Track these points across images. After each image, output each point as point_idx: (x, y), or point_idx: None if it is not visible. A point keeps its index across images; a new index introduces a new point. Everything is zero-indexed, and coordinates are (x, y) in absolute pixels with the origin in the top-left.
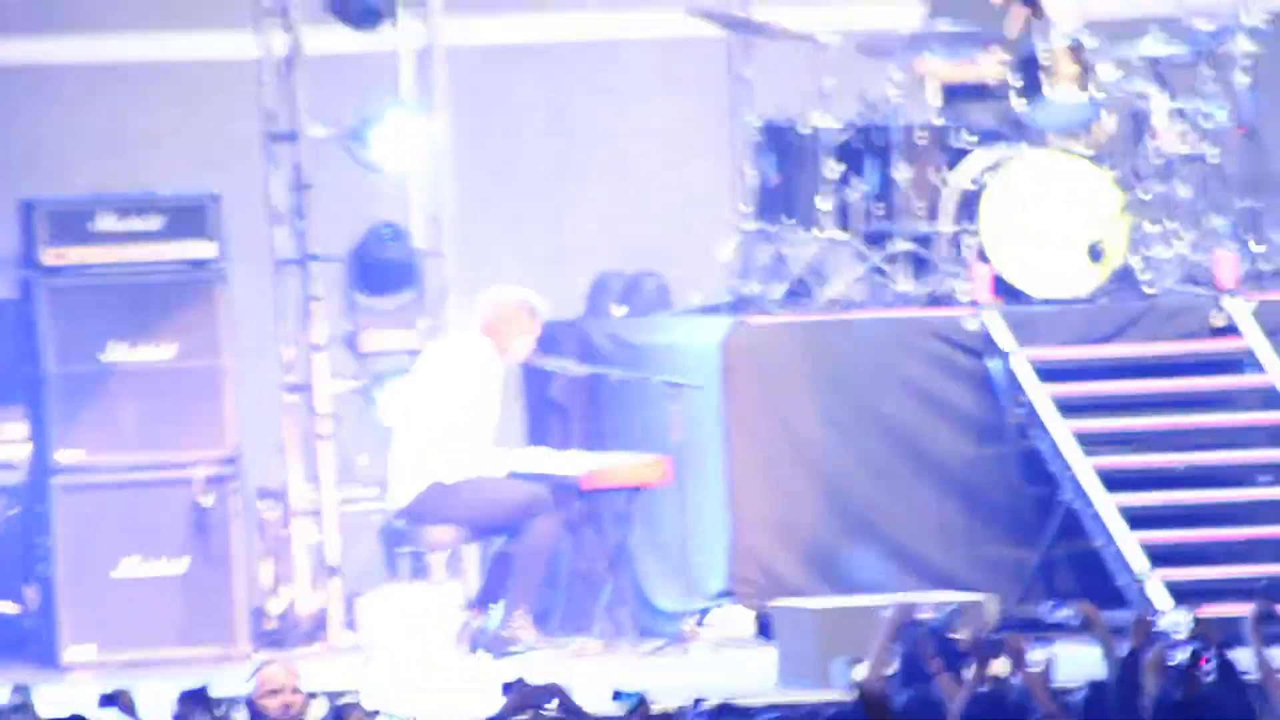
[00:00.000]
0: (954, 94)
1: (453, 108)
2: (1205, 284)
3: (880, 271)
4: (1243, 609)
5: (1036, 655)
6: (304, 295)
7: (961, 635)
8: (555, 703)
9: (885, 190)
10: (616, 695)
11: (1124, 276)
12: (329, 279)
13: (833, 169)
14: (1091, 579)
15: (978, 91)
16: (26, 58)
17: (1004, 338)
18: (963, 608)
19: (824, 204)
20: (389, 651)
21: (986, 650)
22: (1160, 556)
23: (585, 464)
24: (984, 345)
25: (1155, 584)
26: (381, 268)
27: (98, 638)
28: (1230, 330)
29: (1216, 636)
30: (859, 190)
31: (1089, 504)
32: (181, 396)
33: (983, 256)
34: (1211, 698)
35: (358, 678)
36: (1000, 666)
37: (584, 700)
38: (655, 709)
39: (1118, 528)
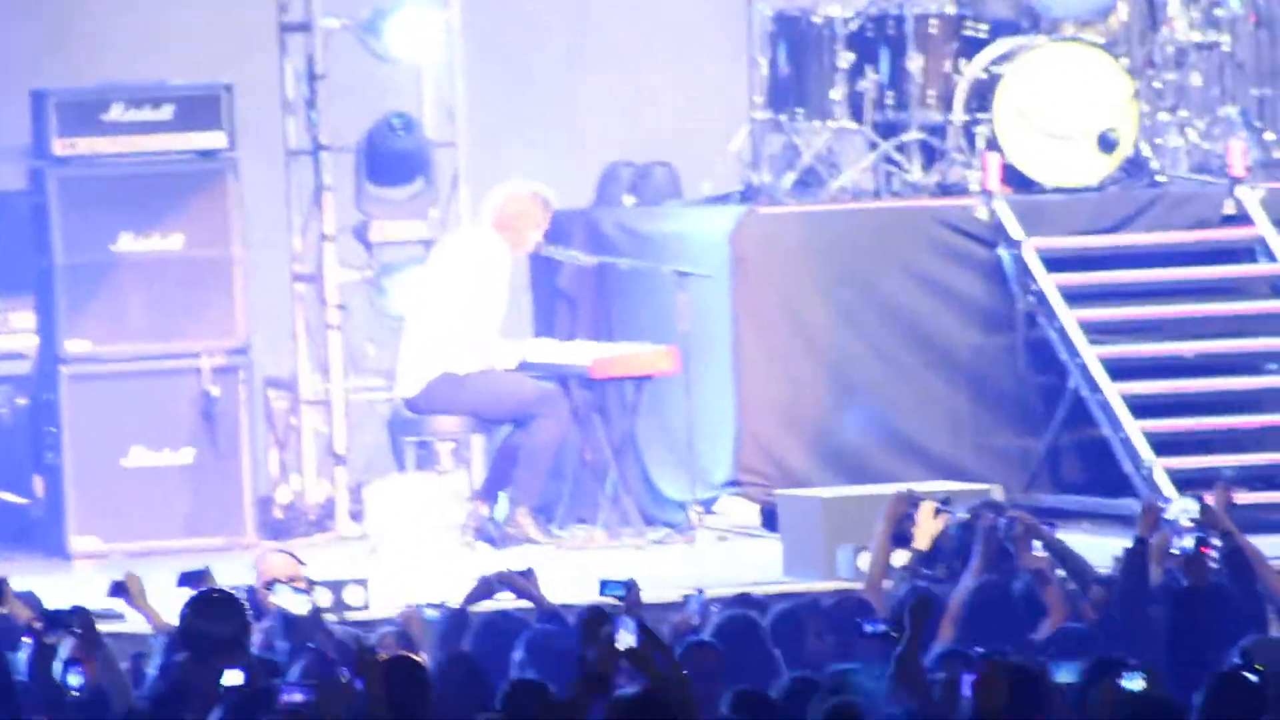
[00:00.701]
0: None
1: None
2: (1217, 172)
3: (891, 160)
4: (1247, 497)
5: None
6: (315, 185)
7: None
8: (509, 592)
9: (897, 80)
10: (604, 586)
11: (1135, 164)
12: (340, 169)
13: (845, 58)
14: (1098, 467)
15: None
16: None
17: (1014, 226)
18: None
19: (836, 93)
20: (395, 540)
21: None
22: (1167, 445)
23: (593, 353)
24: (994, 234)
25: (1161, 472)
26: (392, 158)
27: (105, 527)
28: (1241, 218)
29: (1223, 524)
30: (871, 80)
31: (1096, 392)
32: (191, 286)
33: (994, 145)
34: (1217, 585)
35: (363, 566)
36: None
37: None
38: (655, 599)
39: (1125, 416)
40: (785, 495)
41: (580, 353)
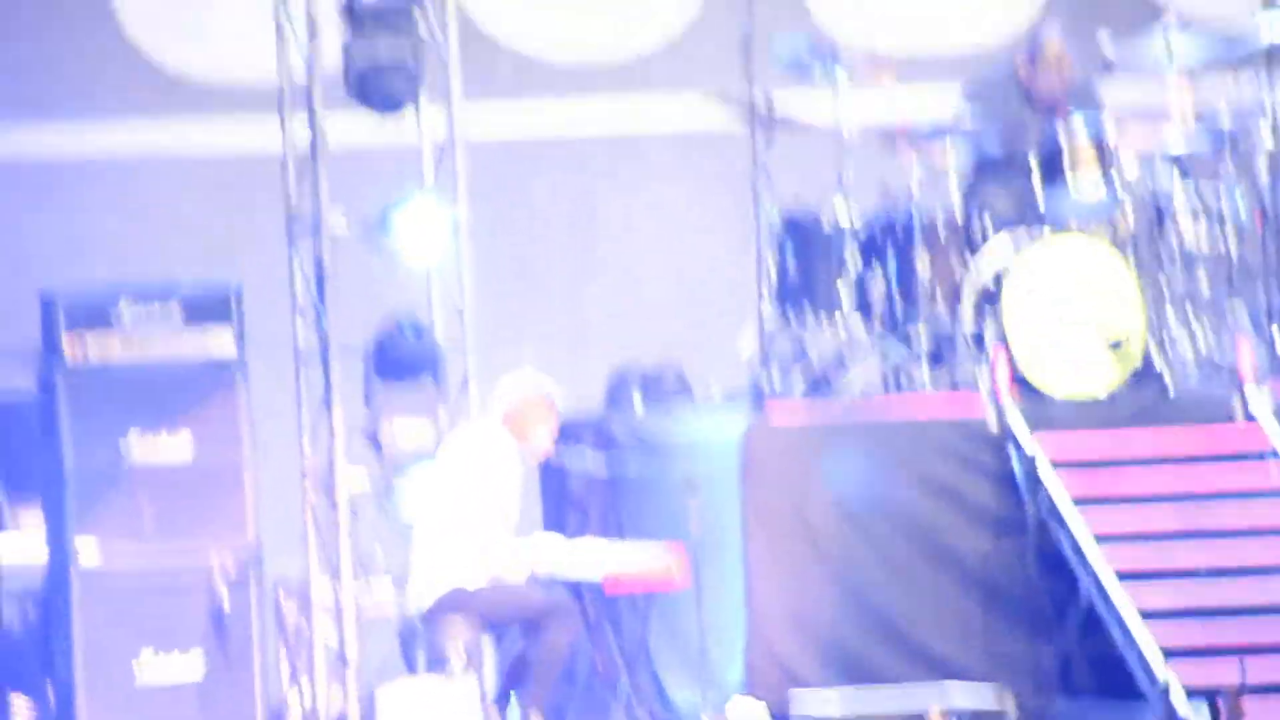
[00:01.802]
0: (975, 184)
1: (474, 200)
2: (1226, 375)
3: (901, 363)
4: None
5: None
6: (324, 386)
7: None
8: None
9: (906, 281)
10: None
11: (1144, 368)
12: (350, 371)
13: (853, 259)
14: (1110, 676)
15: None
16: (53, 150)
17: (1023, 432)
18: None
19: (844, 295)
20: None
21: None
22: (1180, 655)
23: (604, 558)
24: (1004, 439)
25: (1174, 681)
26: (402, 359)
27: None
28: (1252, 422)
29: None
30: (879, 281)
31: (1108, 600)
32: (201, 489)
33: (1004, 348)
34: None
35: None
36: None
37: None
38: None
39: (1136, 626)
40: (798, 710)
41: (594, 564)
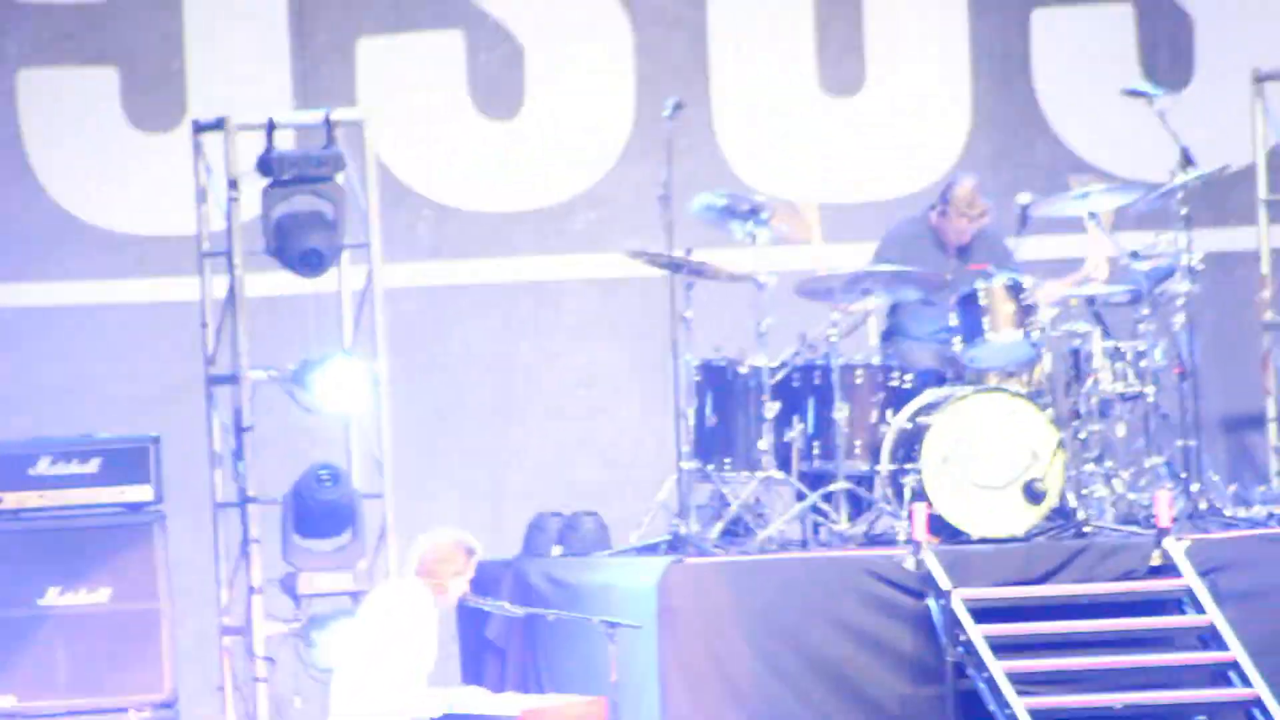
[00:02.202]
0: (893, 335)
1: (393, 349)
2: (1143, 523)
3: (819, 511)
4: None
5: None
6: (242, 537)
7: None
8: None
9: (824, 430)
10: None
11: (1062, 515)
12: (268, 521)
13: (771, 408)
14: None
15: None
16: None
17: (942, 577)
18: None
19: (763, 443)
20: None
21: None
22: None
23: (522, 706)
24: (922, 585)
25: None
26: (320, 510)
27: None
28: (1168, 569)
29: None
30: (798, 430)
31: None
32: (118, 639)
33: (921, 495)
34: None
35: None
36: None
37: None
38: None
39: None
40: None
41: (510, 705)
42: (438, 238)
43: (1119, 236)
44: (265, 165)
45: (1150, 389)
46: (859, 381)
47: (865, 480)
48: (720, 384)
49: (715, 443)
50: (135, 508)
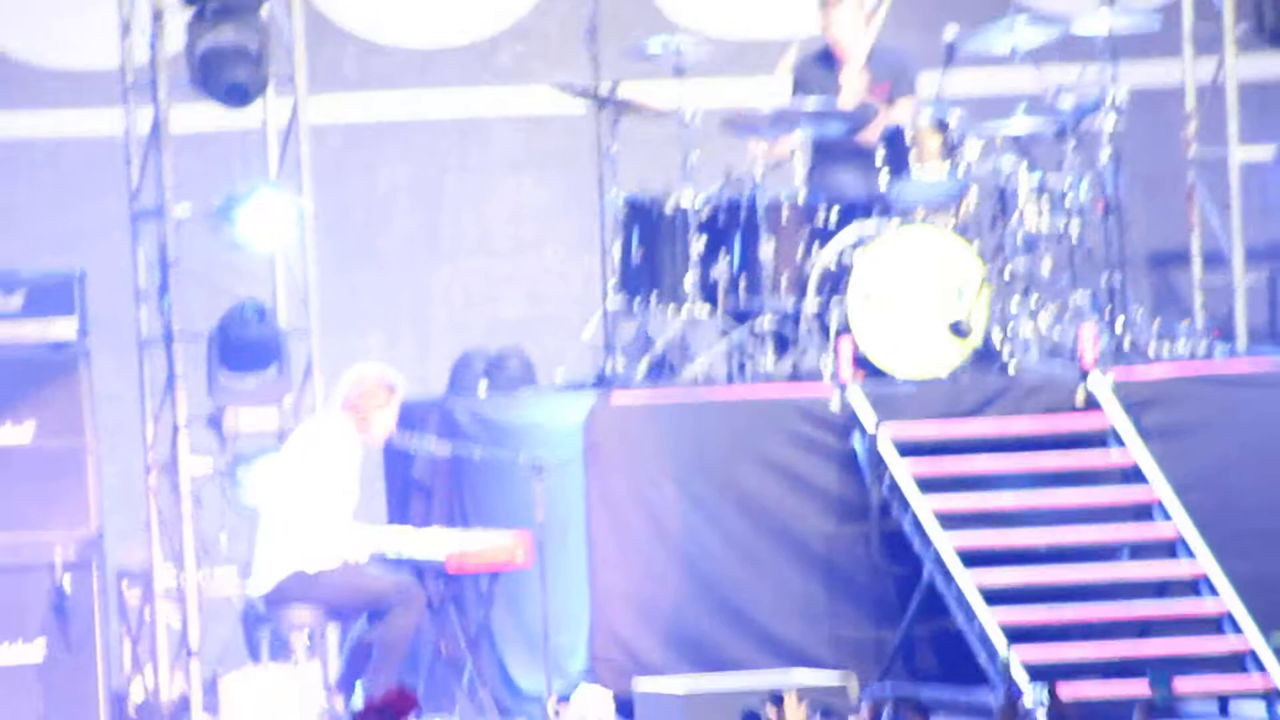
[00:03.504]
0: (819, 169)
1: (318, 185)
2: (1068, 359)
3: (744, 348)
4: (1102, 688)
5: None
6: (168, 374)
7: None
8: None
9: (750, 267)
10: None
11: (986, 352)
12: (193, 358)
13: (697, 245)
14: (953, 658)
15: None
16: None
17: (867, 415)
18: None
19: (688, 280)
20: None
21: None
22: (1021, 635)
23: (448, 544)
24: (847, 423)
25: (1016, 662)
26: (245, 346)
27: None
28: (1093, 406)
29: (1074, 715)
30: (723, 266)
31: (950, 582)
32: (42, 476)
33: (847, 332)
34: None
35: None
36: None
37: None
38: None
39: (979, 606)
40: (644, 691)
41: (436, 545)
42: (362, 72)
43: (1047, 71)
44: None
45: (1075, 225)
46: (785, 217)
47: (791, 317)
48: (646, 220)
49: (641, 279)
50: (60, 343)
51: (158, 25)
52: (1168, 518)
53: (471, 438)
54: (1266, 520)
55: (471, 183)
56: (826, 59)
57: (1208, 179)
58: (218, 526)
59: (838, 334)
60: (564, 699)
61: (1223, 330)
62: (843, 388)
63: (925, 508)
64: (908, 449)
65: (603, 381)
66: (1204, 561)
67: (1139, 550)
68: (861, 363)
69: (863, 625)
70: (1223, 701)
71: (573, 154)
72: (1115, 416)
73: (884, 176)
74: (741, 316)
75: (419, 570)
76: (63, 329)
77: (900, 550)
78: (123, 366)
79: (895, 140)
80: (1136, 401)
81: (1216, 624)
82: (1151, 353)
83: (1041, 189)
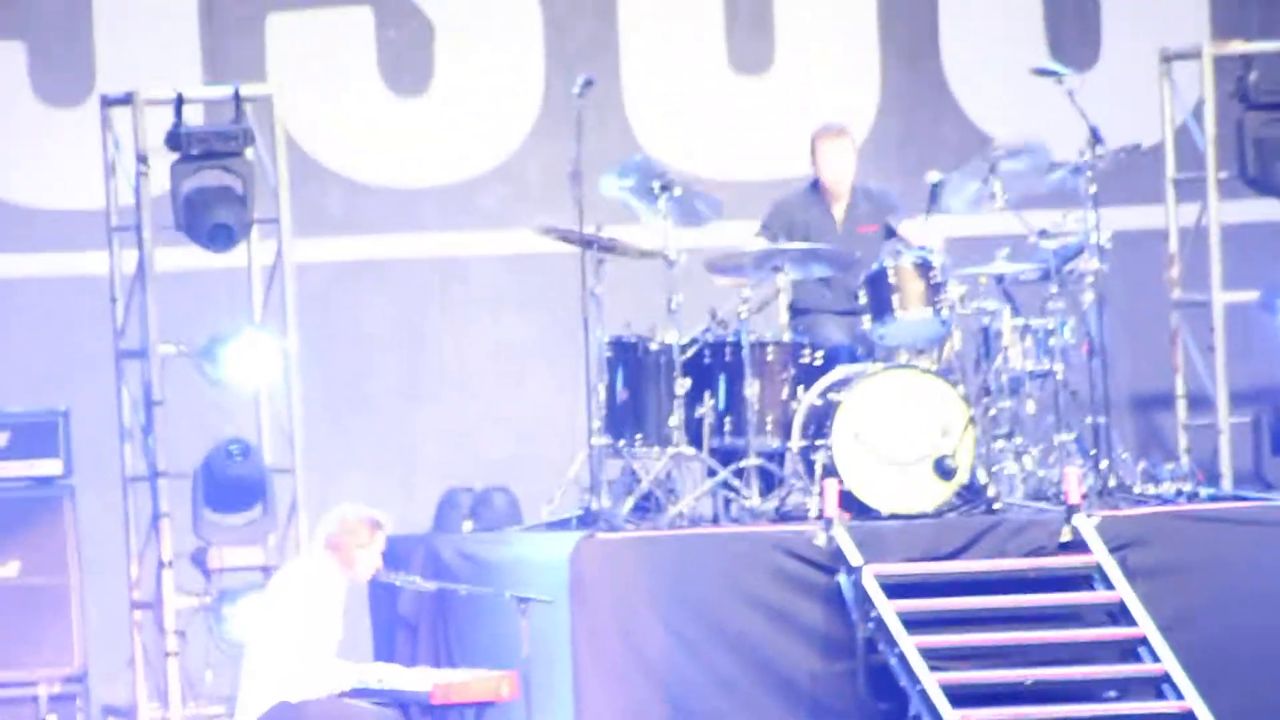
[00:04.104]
0: (803, 311)
1: (303, 324)
2: (1053, 500)
3: (729, 487)
4: None
5: None
6: (153, 511)
7: None
8: None
9: (735, 406)
10: None
11: (972, 491)
12: (178, 495)
13: (682, 385)
14: None
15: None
16: None
17: (853, 553)
18: None
19: (674, 420)
20: None
21: None
22: None
23: (433, 680)
24: (833, 561)
25: None
26: (230, 484)
27: None
28: (1078, 545)
29: None
30: (708, 406)
31: (937, 718)
32: (27, 614)
33: (832, 472)
34: None
35: None
36: None
37: None
38: None
39: None
40: None
41: (421, 679)
42: (347, 213)
43: (1031, 215)
44: (174, 140)
45: (1059, 366)
46: (770, 358)
47: (776, 457)
48: (631, 360)
49: (626, 418)
50: (45, 481)
51: (142, 167)
52: (1155, 657)
53: (457, 574)
54: (1252, 659)
55: (454, 321)
56: (811, 197)
57: (1191, 321)
58: (203, 663)
59: (823, 474)
60: None
61: (1207, 472)
62: (829, 526)
63: (911, 645)
64: (893, 587)
65: (588, 519)
66: (1190, 700)
67: (1125, 688)
68: (848, 503)
69: None
70: None
71: (557, 293)
72: (1100, 556)
73: (868, 319)
74: (727, 456)
75: (404, 705)
76: (47, 467)
77: (887, 687)
78: (107, 504)
79: (878, 282)
80: (1121, 541)
81: None
82: (1136, 493)
83: (1026, 331)
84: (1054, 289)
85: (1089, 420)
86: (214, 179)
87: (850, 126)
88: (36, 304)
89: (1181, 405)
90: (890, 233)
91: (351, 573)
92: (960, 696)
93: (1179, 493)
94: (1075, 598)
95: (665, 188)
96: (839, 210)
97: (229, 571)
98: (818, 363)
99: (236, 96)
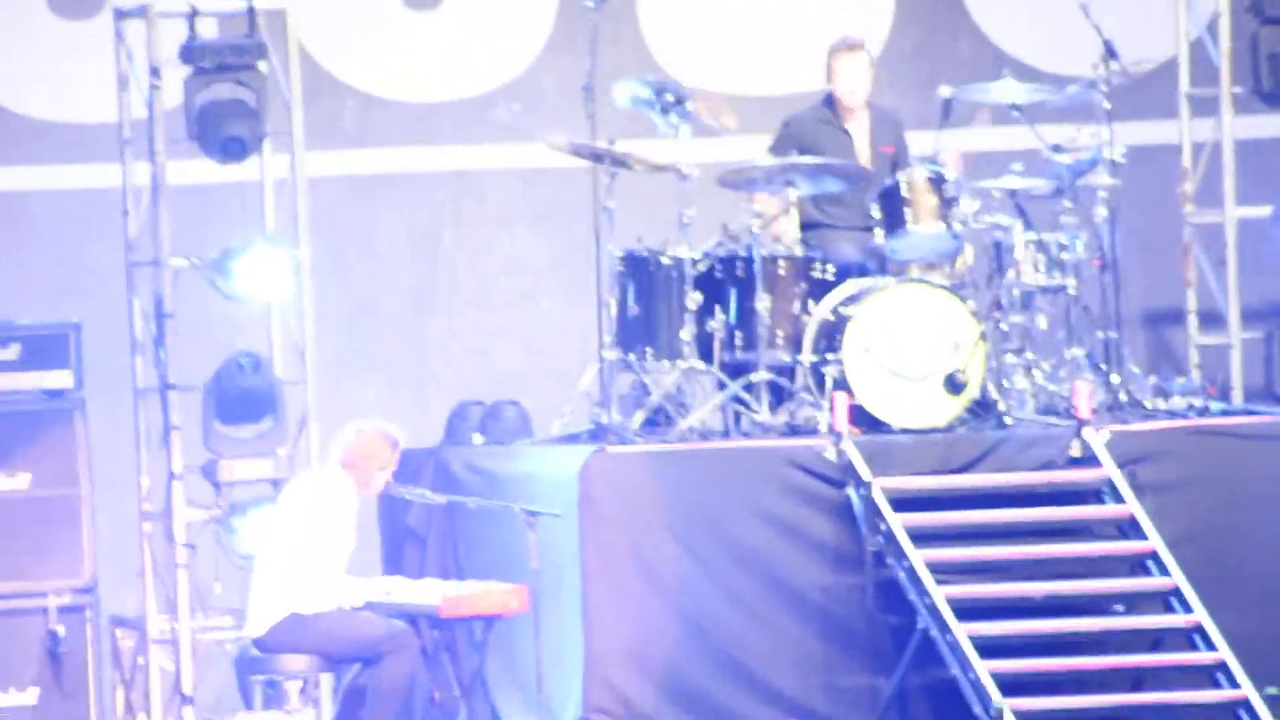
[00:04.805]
0: (814, 226)
1: (315, 237)
2: (1063, 414)
3: (740, 401)
4: None
5: None
6: (163, 424)
7: None
8: None
9: (746, 320)
10: None
11: (982, 406)
12: (189, 408)
13: (693, 299)
14: (947, 708)
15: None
16: None
17: (862, 467)
18: None
19: (684, 334)
20: None
21: None
22: (1014, 685)
23: (442, 592)
24: (843, 475)
25: (1009, 713)
26: (240, 397)
27: None
28: (1088, 460)
29: None
30: (720, 320)
31: (945, 632)
32: (38, 525)
33: (842, 386)
34: None
35: None
36: None
37: None
38: None
39: (973, 657)
40: None
41: (430, 592)
42: (361, 126)
43: (1043, 130)
44: (187, 53)
45: (1071, 281)
46: (781, 272)
47: (787, 371)
48: (643, 274)
49: (637, 332)
50: (55, 394)
51: (155, 80)
52: (1164, 571)
53: (467, 487)
54: (1261, 573)
55: (468, 235)
56: (825, 113)
57: (1204, 237)
58: (212, 575)
59: (833, 388)
60: None
61: (1218, 388)
62: (839, 440)
63: (920, 559)
64: (902, 501)
65: (598, 433)
66: (1199, 614)
67: (1134, 602)
68: (858, 417)
69: (858, 675)
70: None
71: (569, 207)
72: (1110, 470)
73: (880, 233)
74: (737, 370)
75: (413, 618)
76: (58, 379)
77: (896, 601)
78: (118, 417)
79: (891, 196)
80: (1131, 456)
81: (1211, 676)
82: (1147, 407)
83: (1038, 246)
84: (1067, 204)
85: (1100, 335)
86: (227, 92)
87: (865, 41)
88: (48, 216)
89: (1193, 321)
90: (901, 156)
91: (367, 491)
92: (968, 610)
93: (1189, 408)
94: (1084, 512)
95: (678, 102)
96: (858, 129)
97: (239, 484)
98: (829, 277)
99: (250, 9)
